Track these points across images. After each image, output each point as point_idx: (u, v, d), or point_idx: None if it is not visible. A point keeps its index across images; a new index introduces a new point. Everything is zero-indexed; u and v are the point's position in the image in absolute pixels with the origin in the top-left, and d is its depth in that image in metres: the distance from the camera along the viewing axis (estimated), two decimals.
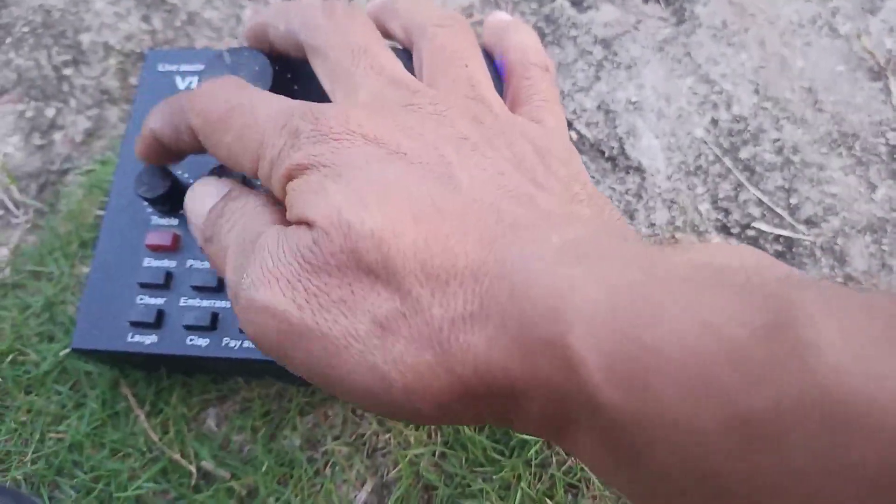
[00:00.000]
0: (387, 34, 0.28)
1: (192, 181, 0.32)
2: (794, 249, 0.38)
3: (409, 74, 0.24)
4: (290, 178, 0.21)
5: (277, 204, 0.23)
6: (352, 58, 0.24)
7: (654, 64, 0.42)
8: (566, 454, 0.32)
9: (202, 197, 0.25)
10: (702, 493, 0.15)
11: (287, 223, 0.21)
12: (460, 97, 0.24)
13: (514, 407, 0.18)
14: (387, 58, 0.25)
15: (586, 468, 0.18)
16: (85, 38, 0.44)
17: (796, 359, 0.13)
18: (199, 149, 0.25)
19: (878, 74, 0.42)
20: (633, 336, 0.15)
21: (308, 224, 0.20)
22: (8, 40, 0.44)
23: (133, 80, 0.43)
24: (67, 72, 0.43)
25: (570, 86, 0.42)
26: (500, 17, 0.29)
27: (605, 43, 0.43)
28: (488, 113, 0.24)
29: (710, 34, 0.43)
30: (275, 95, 0.24)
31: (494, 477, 0.32)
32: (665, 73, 0.42)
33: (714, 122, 0.41)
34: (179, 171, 0.32)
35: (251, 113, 0.23)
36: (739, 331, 0.14)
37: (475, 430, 0.33)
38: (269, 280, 0.19)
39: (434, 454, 0.33)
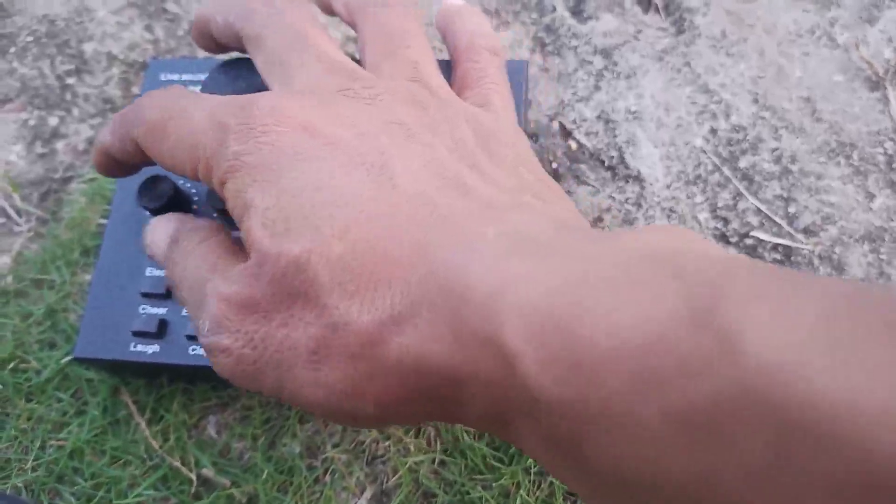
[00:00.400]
0: (331, 13, 0.27)
1: (194, 191, 0.32)
2: (792, 258, 0.38)
3: (349, 61, 0.24)
4: (223, 182, 0.21)
5: (220, 231, 0.24)
6: (289, 44, 0.24)
7: (654, 73, 0.43)
8: None
9: (153, 239, 0.26)
10: (642, 486, 0.15)
11: (231, 250, 0.23)
12: (402, 80, 0.23)
13: (456, 404, 0.18)
14: (325, 43, 0.24)
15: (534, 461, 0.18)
16: (88, 48, 0.45)
17: (724, 349, 0.13)
18: (146, 160, 0.25)
19: (876, 84, 0.42)
20: (570, 330, 0.15)
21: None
22: (12, 49, 0.45)
23: (136, 90, 0.43)
24: (70, 81, 0.44)
25: (570, 95, 0.42)
26: (452, 2, 0.29)
27: (605, 53, 0.43)
28: (431, 97, 0.23)
29: (709, 44, 0.44)
30: (211, 95, 0.23)
31: (494, 484, 0.32)
32: (664, 83, 0.42)
33: (713, 131, 0.41)
34: (182, 180, 0.32)
35: (187, 116, 0.22)
36: (671, 321, 0.14)
37: (474, 437, 0.33)
38: (219, 329, 0.20)
39: (433, 461, 0.33)
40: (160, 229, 0.25)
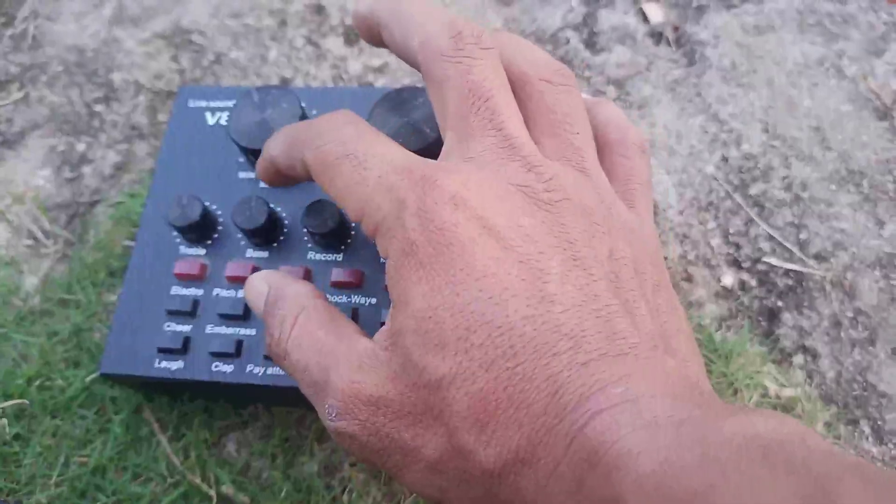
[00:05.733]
0: None
1: (219, 212, 0.33)
2: (804, 284, 0.38)
3: (524, 134, 0.23)
4: (386, 253, 0.22)
5: (314, 296, 0.25)
6: (471, 103, 0.23)
7: (666, 103, 0.44)
8: None
9: (250, 297, 0.27)
10: None
11: (333, 322, 0.24)
12: (571, 172, 0.23)
13: None
14: (507, 111, 0.23)
15: None
16: (116, 77, 0.46)
17: None
18: (310, 178, 0.26)
19: (884, 114, 0.43)
20: None
21: (385, 343, 0.22)
22: (43, 78, 0.46)
23: (161, 117, 0.45)
24: (98, 108, 0.45)
25: None
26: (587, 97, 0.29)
27: (618, 83, 0.45)
28: (593, 191, 0.23)
29: (719, 75, 0.45)
30: (389, 147, 0.23)
31: None
32: (676, 112, 0.43)
33: (724, 159, 0.42)
34: (208, 202, 0.33)
35: (362, 167, 0.23)
36: None
37: None
38: (348, 416, 0.22)
39: None
40: (256, 289, 0.26)
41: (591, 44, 0.46)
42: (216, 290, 0.32)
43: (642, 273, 0.23)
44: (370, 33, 0.27)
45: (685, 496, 0.16)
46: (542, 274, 0.20)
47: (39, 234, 0.41)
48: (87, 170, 0.43)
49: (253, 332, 0.31)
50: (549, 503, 0.18)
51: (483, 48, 0.24)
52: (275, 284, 0.26)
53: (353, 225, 0.32)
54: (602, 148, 0.27)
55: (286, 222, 0.32)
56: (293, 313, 0.24)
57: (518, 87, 0.25)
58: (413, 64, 0.25)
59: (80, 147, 0.44)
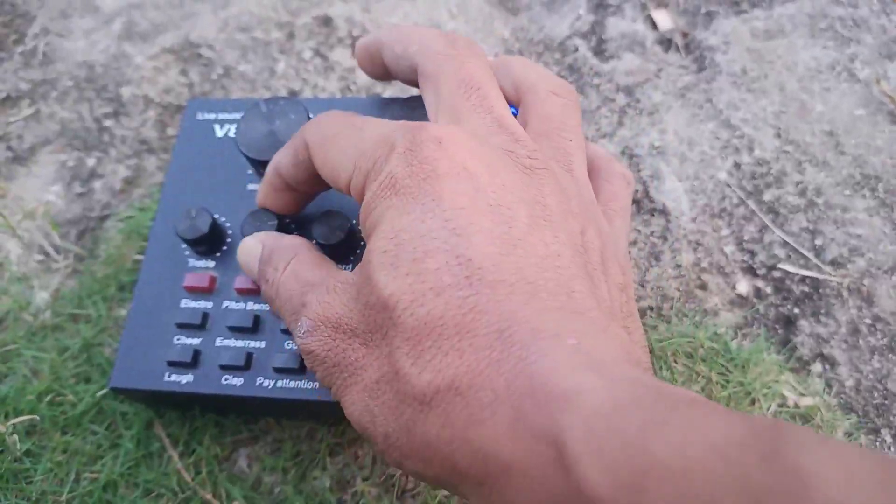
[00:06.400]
0: None
1: (228, 224, 0.33)
2: (820, 290, 0.38)
3: (515, 121, 0.25)
4: (371, 194, 0.23)
5: (306, 246, 0.27)
6: (463, 93, 0.25)
7: (676, 110, 0.43)
8: None
9: (245, 259, 0.28)
10: None
11: (319, 262, 0.25)
12: (558, 168, 0.24)
13: (478, 485, 0.19)
14: (497, 99, 0.25)
15: None
16: (126, 92, 0.46)
17: (798, 488, 0.14)
18: (314, 180, 0.27)
19: None
20: (635, 443, 0.15)
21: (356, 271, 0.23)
22: (53, 94, 0.46)
23: (171, 131, 0.45)
24: (108, 123, 0.45)
25: (594, 132, 0.43)
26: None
27: (628, 90, 0.44)
28: (575, 189, 0.24)
29: (730, 81, 0.44)
30: (387, 120, 0.25)
31: None
32: (687, 119, 0.43)
33: (737, 165, 0.41)
34: (217, 214, 0.33)
35: (359, 131, 0.24)
36: (743, 456, 0.14)
37: None
38: (313, 333, 0.23)
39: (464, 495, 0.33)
40: (250, 250, 0.28)
41: (599, 51, 0.46)
42: (226, 303, 0.32)
43: (608, 268, 0.24)
44: (372, 60, 0.29)
45: (636, 431, 0.16)
46: (511, 220, 0.21)
47: (50, 250, 0.41)
48: (97, 185, 0.43)
49: (262, 344, 0.31)
50: (479, 437, 0.18)
51: (474, 51, 0.26)
52: (268, 242, 0.28)
53: (363, 235, 0.32)
54: (592, 175, 0.28)
55: (295, 234, 0.32)
56: (286, 259, 0.26)
57: (524, 97, 0.27)
58: (410, 78, 0.27)
59: (91, 162, 0.44)
